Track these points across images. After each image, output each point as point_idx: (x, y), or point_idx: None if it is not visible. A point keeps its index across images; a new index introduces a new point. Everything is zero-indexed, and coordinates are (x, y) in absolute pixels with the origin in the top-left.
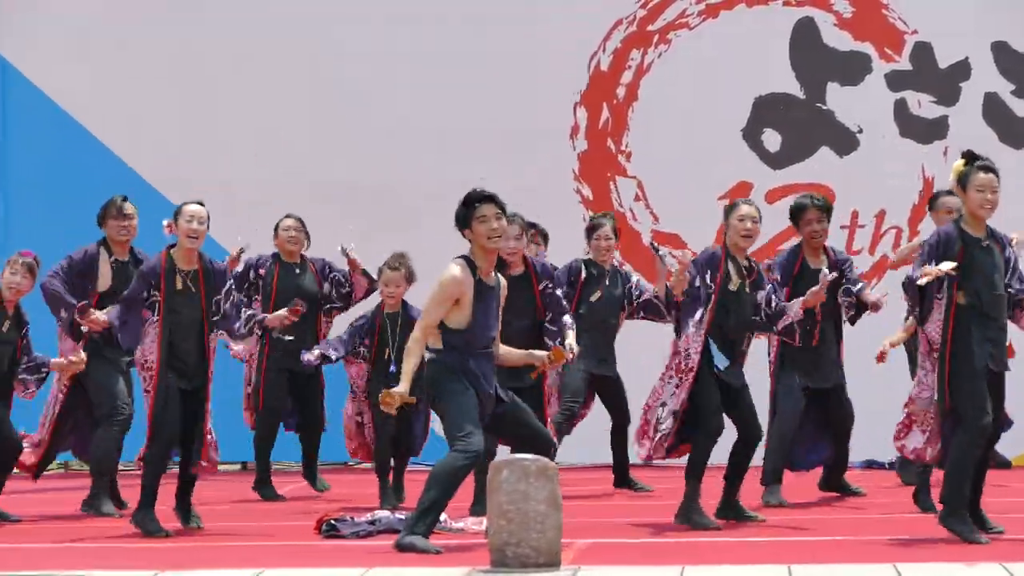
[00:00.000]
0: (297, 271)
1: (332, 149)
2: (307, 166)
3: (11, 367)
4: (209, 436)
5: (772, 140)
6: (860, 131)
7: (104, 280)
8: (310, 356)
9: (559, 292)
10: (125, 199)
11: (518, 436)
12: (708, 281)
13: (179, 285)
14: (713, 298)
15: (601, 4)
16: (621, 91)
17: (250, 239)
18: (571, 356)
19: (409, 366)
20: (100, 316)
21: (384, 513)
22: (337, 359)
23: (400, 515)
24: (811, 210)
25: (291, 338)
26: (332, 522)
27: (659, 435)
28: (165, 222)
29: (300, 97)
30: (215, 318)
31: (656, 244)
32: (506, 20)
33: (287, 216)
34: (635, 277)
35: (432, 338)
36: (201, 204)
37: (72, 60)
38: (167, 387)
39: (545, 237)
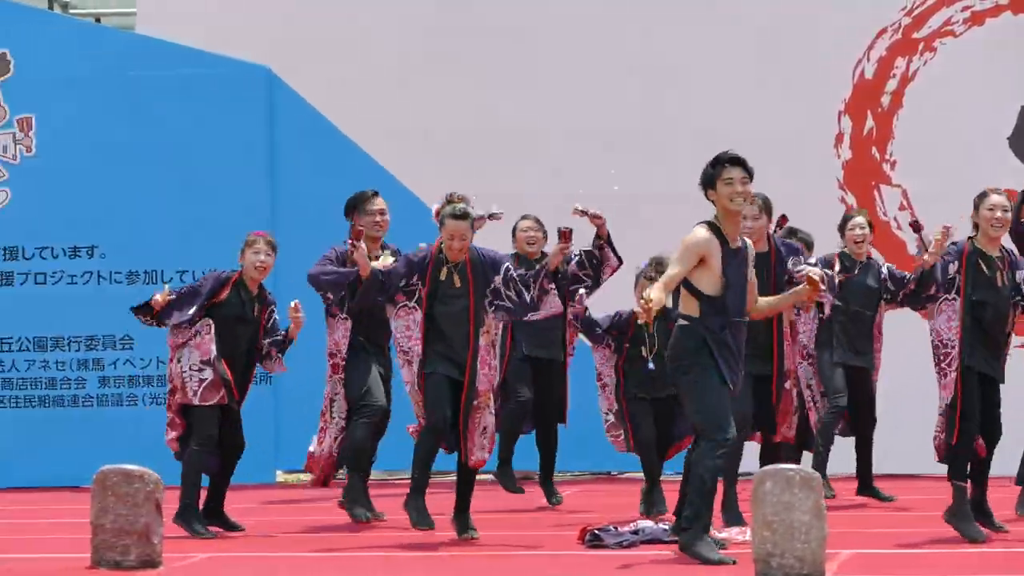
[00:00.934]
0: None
1: (601, 160)
2: (567, 177)
3: (249, 349)
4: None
5: None
6: None
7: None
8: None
9: None
10: (376, 193)
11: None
12: (953, 272)
13: (443, 276)
14: (960, 291)
15: (866, 13)
16: (886, 99)
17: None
18: (822, 275)
19: (651, 291)
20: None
21: (647, 523)
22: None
23: (664, 525)
24: None
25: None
26: (596, 532)
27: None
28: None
29: (564, 108)
30: (493, 304)
31: (919, 222)
32: (770, 28)
33: (524, 217)
34: (886, 268)
35: (687, 305)
36: (464, 216)
37: (341, 74)
38: (436, 376)
39: (809, 246)
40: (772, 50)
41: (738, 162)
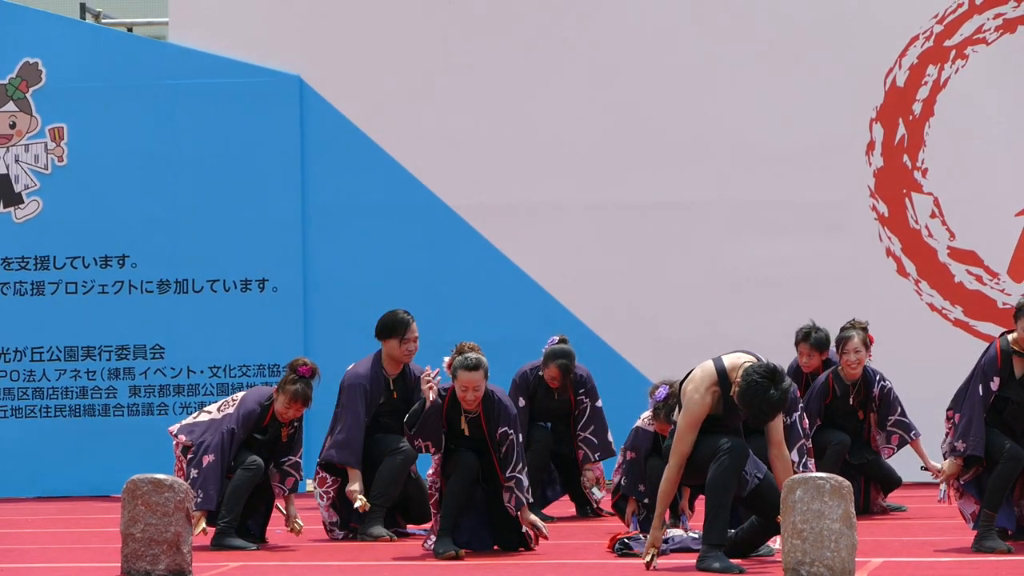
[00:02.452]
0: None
1: (631, 167)
2: (608, 185)
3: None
4: None
5: None
6: None
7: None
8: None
9: None
10: (411, 318)
11: None
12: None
13: (463, 425)
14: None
15: (897, 20)
16: (917, 107)
17: (551, 264)
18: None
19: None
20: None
21: (678, 532)
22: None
23: (694, 533)
24: None
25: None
26: (625, 540)
27: None
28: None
29: (602, 114)
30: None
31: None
32: (802, 36)
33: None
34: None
35: None
36: (477, 367)
37: (371, 83)
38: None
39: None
40: (804, 58)
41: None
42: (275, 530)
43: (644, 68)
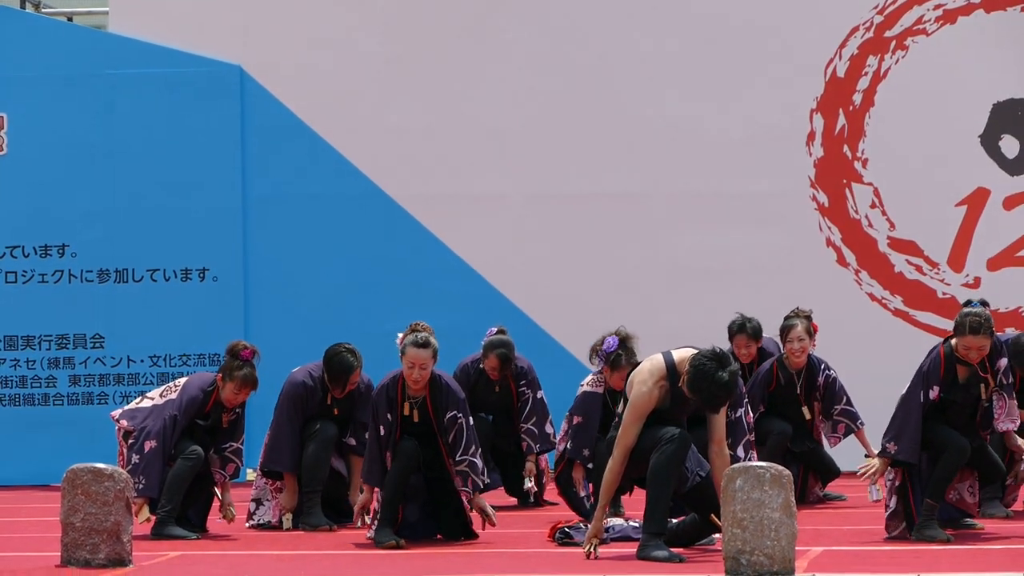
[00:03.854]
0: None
1: (572, 157)
2: (547, 176)
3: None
4: None
5: (1010, 146)
6: None
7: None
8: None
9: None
10: (355, 364)
11: None
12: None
13: (406, 411)
14: None
15: (838, 11)
16: (858, 97)
17: (493, 254)
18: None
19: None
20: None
21: (618, 521)
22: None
23: (634, 523)
24: None
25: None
26: (566, 529)
27: None
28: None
29: (543, 104)
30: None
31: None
32: (742, 26)
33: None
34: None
35: None
36: (426, 344)
37: (312, 72)
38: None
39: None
40: (744, 48)
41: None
42: (215, 519)
43: (585, 59)
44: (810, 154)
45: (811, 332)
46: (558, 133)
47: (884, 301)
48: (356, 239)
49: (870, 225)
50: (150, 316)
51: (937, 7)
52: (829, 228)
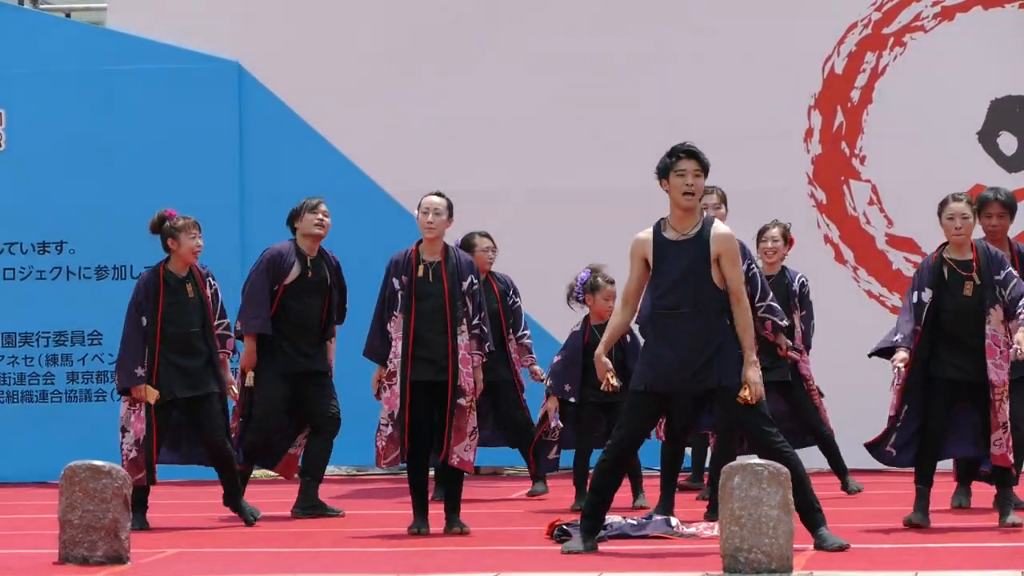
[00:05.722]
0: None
1: (569, 154)
2: (542, 171)
3: (204, 328)
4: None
5: (1008, 143)
6: None
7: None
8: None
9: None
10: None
11: None
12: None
13: (421, 273)
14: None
15: (835, 7)
16: (856, 94)
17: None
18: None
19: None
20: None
21: (616, 518)
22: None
23: (632, 519)
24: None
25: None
26: (564, 527)
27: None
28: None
29: (540, 101)
30: (458, 312)
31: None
32: (740, 23)
33: (478, 234)
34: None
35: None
36: (440, 195)
37: (311, 69)
38: (409, 381)
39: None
40: (742, 44)
41: (693, 155)
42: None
43: (581, 56)
44: (808, 151)
45: (787, 238)
46: (555, 129)
47: (882, 298)
48: (353, 235)
49: (868, 222)
50: None
51: (935, 4)
52: (827, 225)
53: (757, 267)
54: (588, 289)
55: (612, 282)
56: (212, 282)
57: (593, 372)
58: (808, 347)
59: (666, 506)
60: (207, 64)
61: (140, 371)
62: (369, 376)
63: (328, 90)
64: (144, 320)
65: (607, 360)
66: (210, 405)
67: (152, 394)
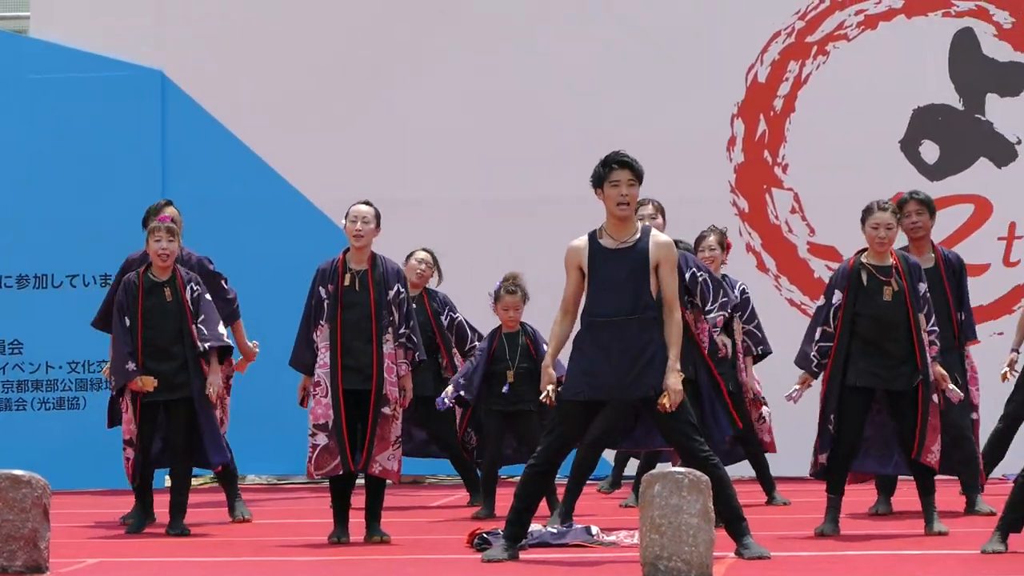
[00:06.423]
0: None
1: (496, 163)
2: (470, 181)
3: (182, 332)
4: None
5: (930, 151)
6: (1019, 142)
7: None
8: (446, 398)
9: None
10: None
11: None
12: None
13: (347, 282)
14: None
15: (759, 16)
16: (778, 103)
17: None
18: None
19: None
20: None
21: (536, 527)
22: (471, 402)
23: (552, 528)
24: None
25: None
26: (484, 535)
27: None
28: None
29: (466, 110)
30: (384, 321)
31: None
32: (663, 31)
33: (421, 249)
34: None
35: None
36: (368, 204)
37: (234, 78)
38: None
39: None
40: (665, 52)
41: (626, 164)
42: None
43: (506, 66)
44: (730, 159)
45: (724, 245)
46: (482, 139)
47: (804, 307)
48: (277, 245)
49: (790, 231)
50: (69, 322)
51: (859, 12)
52: (749, 233)
53: (702, 275)
54: (494, 298)
55: (515, 292)
56: (195, 287)
57: (497, 380)
58: (766, 354)
59: (567, 512)
60: (130, 72)
61: (131, 365)
62: (292, 385)
63: (252, 99)
64: (127, 320)
65: (553, 372)
66: (178, 409)
67: (149, 382)
